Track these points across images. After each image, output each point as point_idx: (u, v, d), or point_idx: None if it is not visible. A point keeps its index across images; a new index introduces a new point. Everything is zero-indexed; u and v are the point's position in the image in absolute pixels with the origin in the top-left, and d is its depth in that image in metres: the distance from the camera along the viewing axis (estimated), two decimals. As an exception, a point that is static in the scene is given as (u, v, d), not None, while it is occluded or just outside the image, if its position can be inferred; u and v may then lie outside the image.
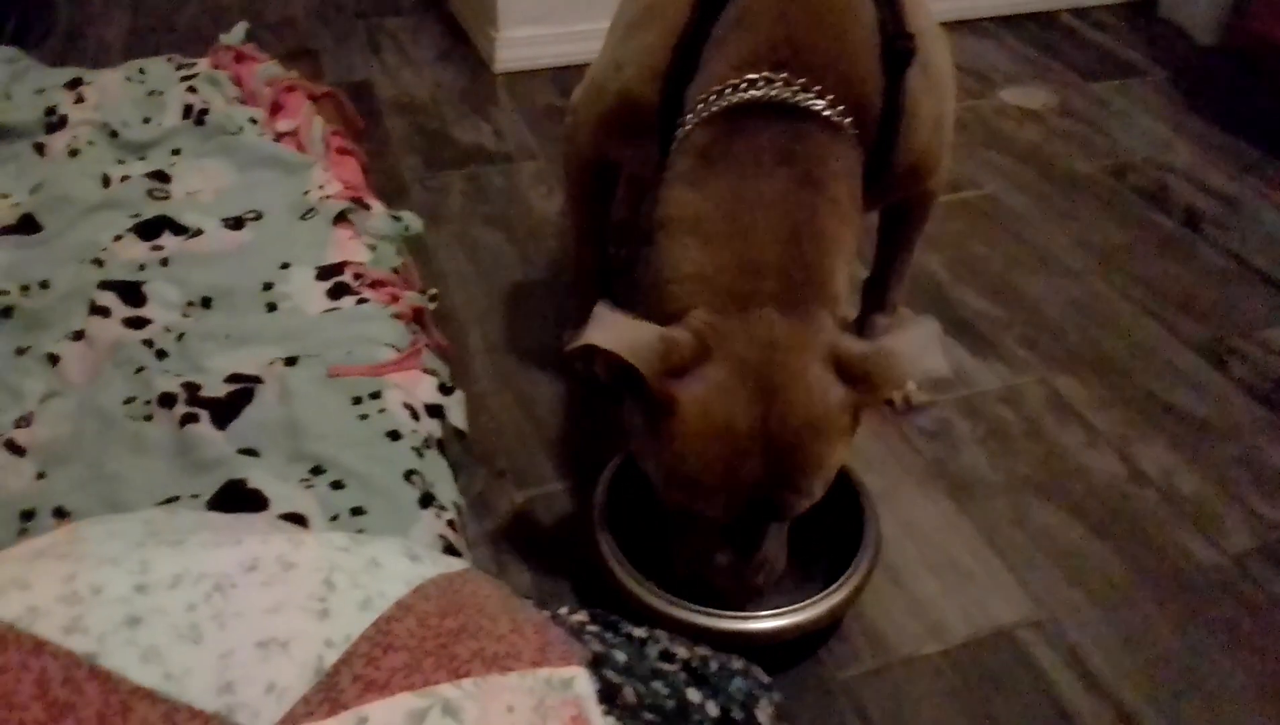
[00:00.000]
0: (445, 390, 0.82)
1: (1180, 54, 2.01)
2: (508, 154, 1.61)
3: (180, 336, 0.81)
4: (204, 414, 0.73)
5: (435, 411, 0.81)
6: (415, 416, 0.77)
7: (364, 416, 0.75)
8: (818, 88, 0.78)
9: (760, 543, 0.80)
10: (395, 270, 0.94)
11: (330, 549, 0.47)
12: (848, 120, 0.80)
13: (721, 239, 0.75)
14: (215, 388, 0.76)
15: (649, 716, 0.45)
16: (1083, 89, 1.87)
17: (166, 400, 0.73)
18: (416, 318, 0.89)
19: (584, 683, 0.43)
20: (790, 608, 0.83)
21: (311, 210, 0.97)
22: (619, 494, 0.91)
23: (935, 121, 0.90)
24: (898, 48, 0.82)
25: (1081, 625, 0.92)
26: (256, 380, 0.77)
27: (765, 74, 0.78)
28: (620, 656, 0.47)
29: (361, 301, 0.87)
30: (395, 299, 0.89)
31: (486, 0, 1.81)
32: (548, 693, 0.42)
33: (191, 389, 0.75)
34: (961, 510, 1.02)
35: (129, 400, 0.74)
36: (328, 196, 0.99)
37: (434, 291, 0.96)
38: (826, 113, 0.78)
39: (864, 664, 0.88)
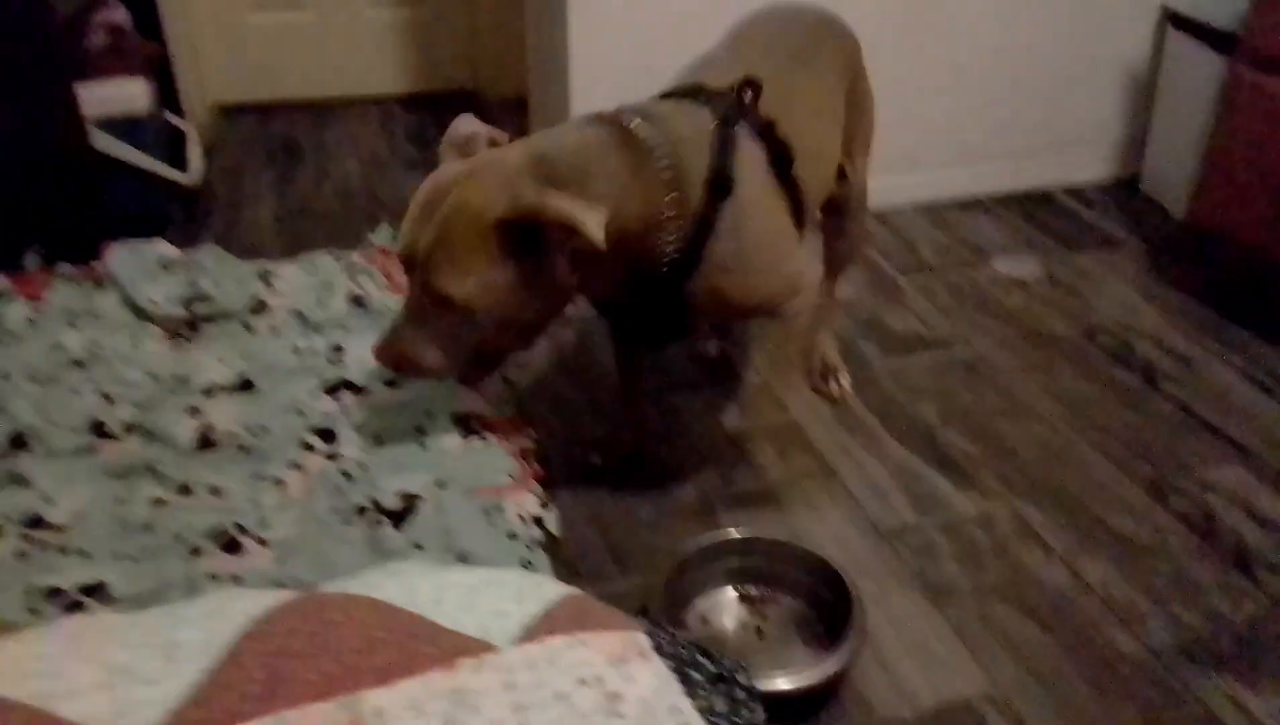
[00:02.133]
0: (544, 506, 1.15)
1: (1156, 227, 2.34)
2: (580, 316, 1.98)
3: (362, 465, 1.15)
4: (386, 520, 1.07)
5: (538, 522, 1.13)
6: (525, 524, 1.10)
7: (492, 523, 1.07)
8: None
9: (414, 311, 1.09)
10: (507, 419, 1.29)
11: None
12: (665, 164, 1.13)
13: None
14: (391, 502, 1.10)
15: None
16: (1067, 259, 2.20)
17: (361, 510, 1.07)
18: (522, 454, 1.23)
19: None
20: (795, 673, 1.12)
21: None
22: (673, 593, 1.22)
23: (741, 267, 1.19)
24: (720, 179, 1.15)
25: (1028, 700, 1.18)
26: (419, 497, 1.11)
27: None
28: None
29: (485, 441, 1.21)
30: (508, 439, 1.23)
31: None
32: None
33: (375, 503, 1.09)
34: (936, 608, 1.30)
35: (335, 510, 1.08)
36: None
37: (533, 434, 1.29)
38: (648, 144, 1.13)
39: (853, 724, 1.15)
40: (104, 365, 1.31)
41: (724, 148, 1.16)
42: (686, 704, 0.54)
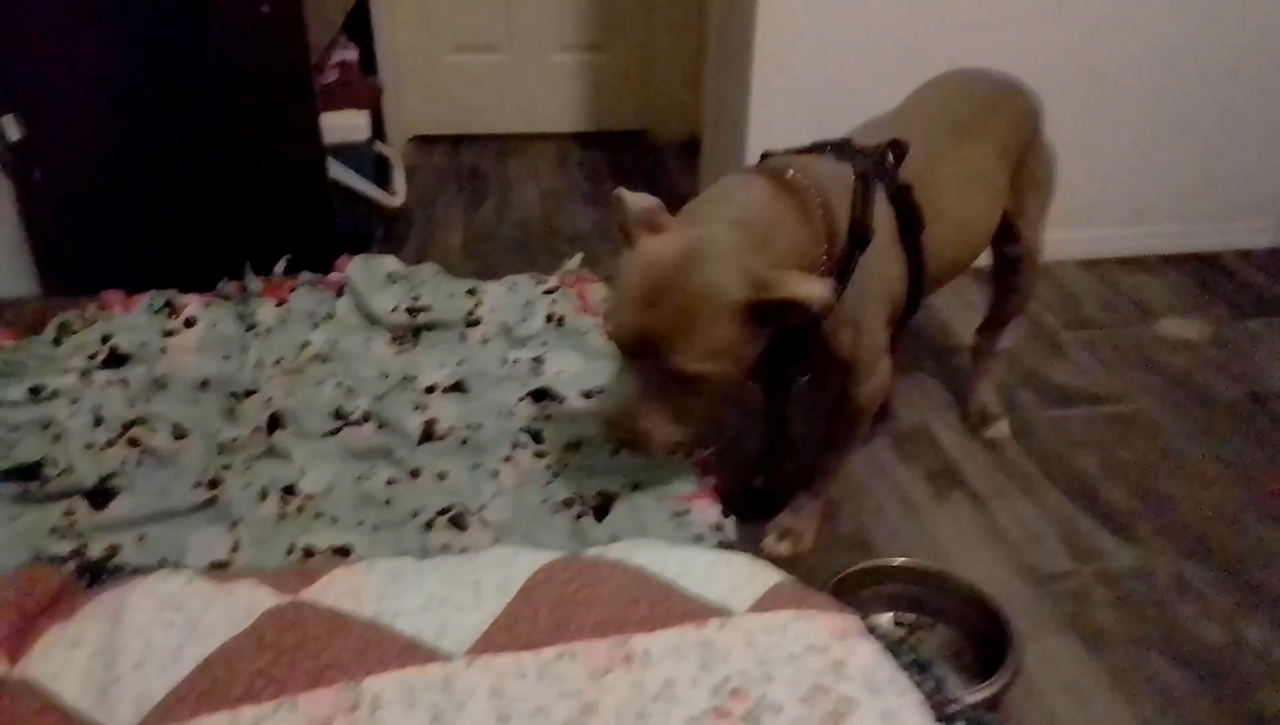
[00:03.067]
0: (724, 514, 1.26)
1: (1333, 296, 2.28)
2: (743, 348, 2.09)
3: (566, 465, 1.30)
4: (588, 513, 1.20)
5: (717, 528, 1.25)
6: (709, 529, 1.21)
7: (681, 526, 1.19)
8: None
9: (644, 387, 1.10)
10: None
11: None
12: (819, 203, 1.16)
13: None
14: (591, 498, 1.23)
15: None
16: (1235, 322, 2.17)
17: (568, 502, 1.21)
18: (703, 467, 1.35)
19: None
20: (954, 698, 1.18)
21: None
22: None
23: (854, 319, 1.23)
24: (859, 232, 1.19)
25: (1181, 749, 1.21)
26: (616, 496, 1.24)
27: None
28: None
29: (672, 453, 1.33)
30: (691, 454, 1.35)
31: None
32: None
33: (580, 498, 1.23)
34: (1091, 653, 1.34)
35: (543, 501, 1.23)
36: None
37: (712, 449, 1.41)
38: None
39: (1006, 750, 1.21)
40: (342, 361, 1.51)
41: (865, 201, 1.20)
42: (902, 677, 0.64)
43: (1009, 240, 1.58)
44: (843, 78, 2.17)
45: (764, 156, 1.30)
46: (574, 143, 3.21)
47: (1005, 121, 1.50)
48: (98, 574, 0.76)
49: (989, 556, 1.51)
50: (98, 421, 1.32)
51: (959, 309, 2.22)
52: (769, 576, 0.72)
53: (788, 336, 1.20)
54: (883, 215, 1.24)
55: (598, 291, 1.72)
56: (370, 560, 0.74)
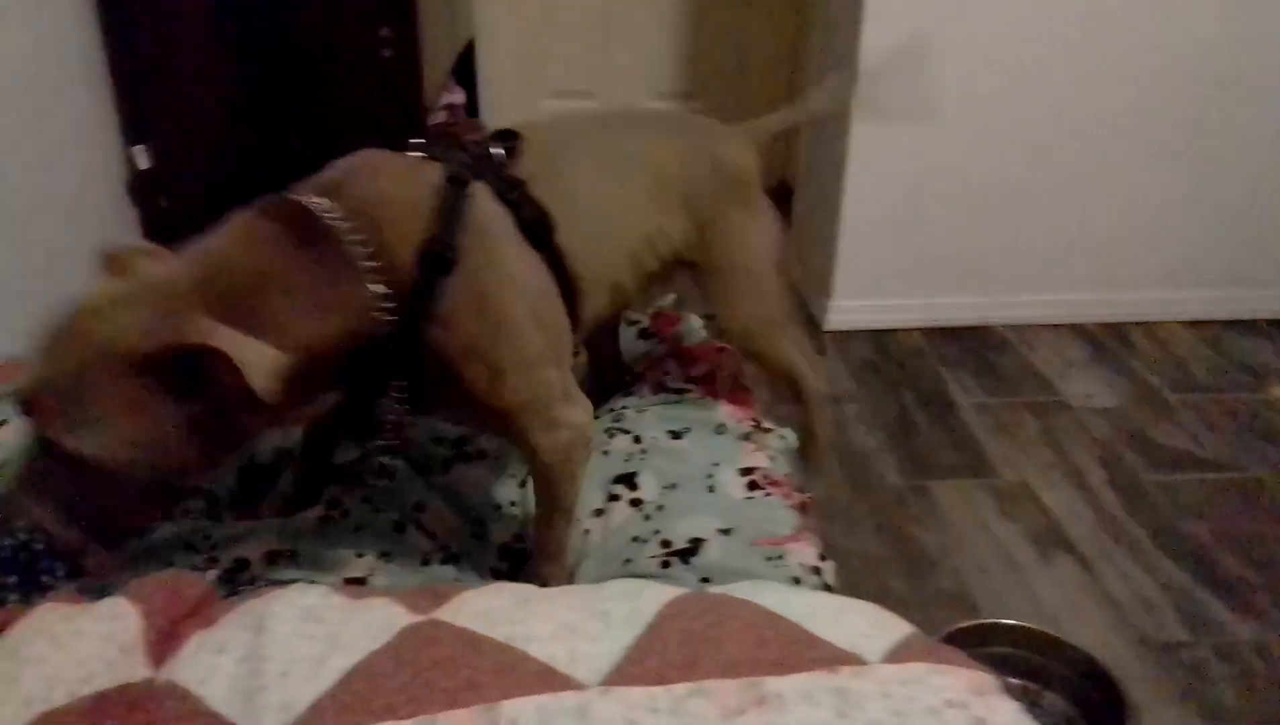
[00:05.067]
0: (823, 558, 1.24)
1: None
2: (835, 396, 2.07)
3: (660, 507, 1.29)
4: (675, 559, 1.19)
5: (815, 571, 1.22)
6: (805, 572, 1.19)
7: (775, 568, 1.18)
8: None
9: (34, 468, 0.78)
10: (786, 475, 1.39)
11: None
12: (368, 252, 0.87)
13: None
14: (680, 542, 1.22)
15: None
16: (1356, 392, 2.07)
17: (664, 543, 1.20)
18: (802, 508, 1.33)
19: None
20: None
21: (723, 426, 1.46)
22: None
23: (485, 356, 0.94)
24: (434, 252, 0.89)
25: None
26: (703, 540, 1.23)
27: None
28: None
29: (768, 495, 1.32)
30: (788, 496, 1.33)
31: (823, 275, 2.35)
32: None
33: (666, 543, 1.23)
34: (1210, 729, 1.28)
35: (635, 538, 1.22)
36: (736, 421, 1.47)
37: (810, 494, 1.39)
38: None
39: (1120, 827, 1.15)
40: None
41: (448, 213, 0.92)
42: (1047, 736, 0.61)
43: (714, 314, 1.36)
44: (935, 131, 2.17)
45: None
46: (664, 188, 3.25)
47: (680, 155, 1.21)
48: (234, 583, 0.77)
49: (1099, 622, 1.45)
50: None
51: (1060, 367, 2.16)
52: (899, 626, 0.71)
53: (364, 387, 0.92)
54: (494, 221, 0.98)
55: (687, 327, 1.73)
56: (496, 584, 0.74)
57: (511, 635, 0.67)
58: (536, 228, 1.02)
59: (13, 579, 0.76)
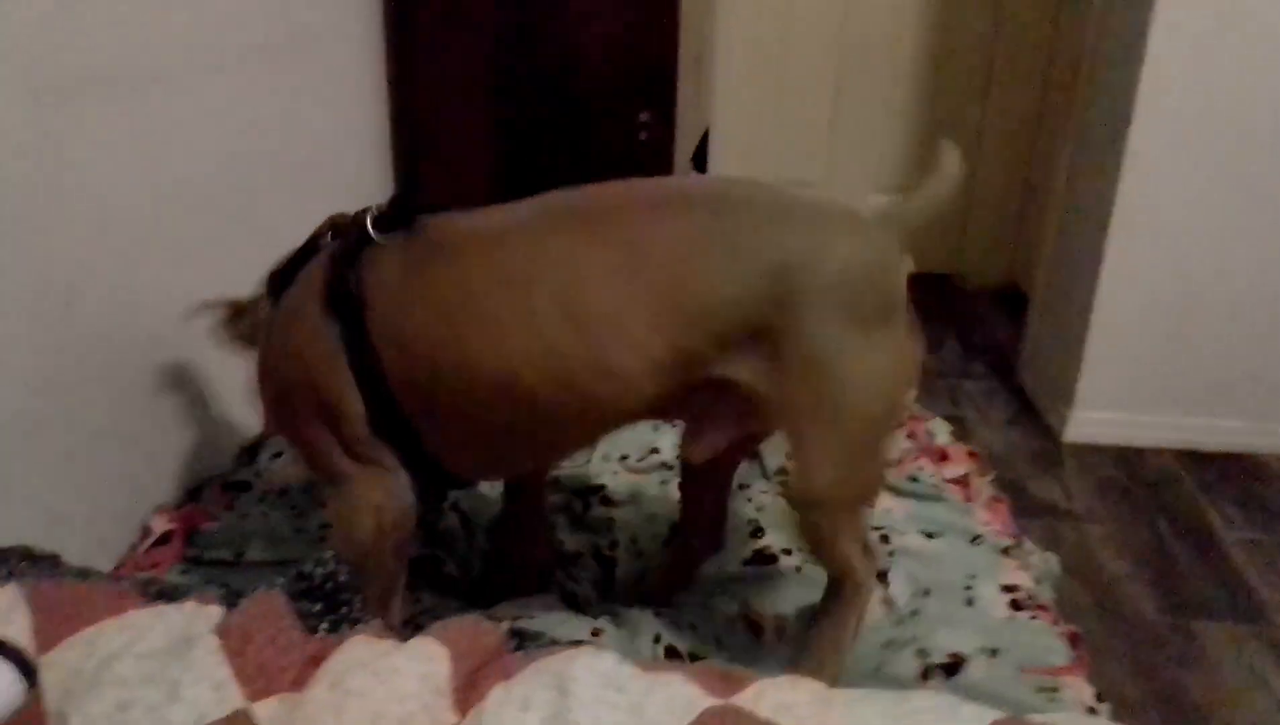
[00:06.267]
0: (1099, 698, 1.12)
1: None
2: (1076, 514, 1.91)
3: (914, 613, 1.22)
4: (937, 671, 1.11)
5: (1091, 711, 1.10)
6: (1082, 710, 1.08)
7: (1047, 702, 1.07)
8: None
9: None
10: (1052, 601, 1.28)
11: None
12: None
13: None
14: (940, 656, 1.14)
15: None
16: None
17: (920, 654, 1.13)
18: (1072, 639, 1.21)
19: None
20: None
21: (979, 537, 1.37)
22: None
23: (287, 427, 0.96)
24: (344, 291, 0.88)
25: None
26: (966, 658, 1.14)
27: None
28: None
29: (1033, 618, 1.21)
30: (1055, 623, 1.22)
31: (1064, 384, 2.21)
32: None
33: (924, 653, 1.14)
34: None
35: (886, 644, 1.15)
36: (995, 533, 1.38)
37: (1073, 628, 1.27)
38: None
39: None
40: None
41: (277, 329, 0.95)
42: None
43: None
44: (1206, 238, 2.01)
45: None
46: (881, 282, 3.18)
47: (701, 238, 0.85)
48: (522, 638, 0.77)
49: None
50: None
51: (1345, 506, 1.92)
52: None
53: None
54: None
55: (935, 426, 1.65)
56: (791, 677, 0.71)
57: (817, 734, 0.63)
58: (357, 350, 0.88)
59: (319, 607, 0.79)
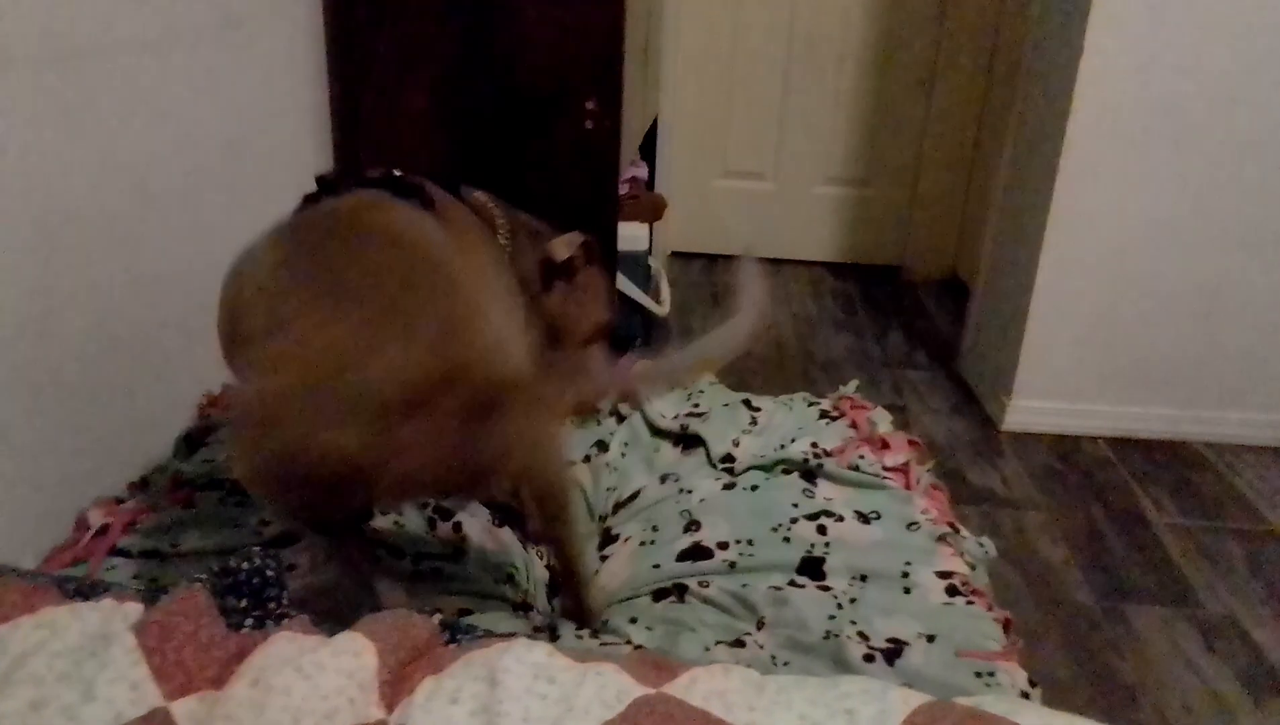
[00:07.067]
0: (1032, 683, 1.14)
1: None
2: (1015, 502, 1.95)
3: (853, 600, 1.23)
4: (879, 654, 1.12)
5: (1024, 696, 1.13)
6: (1017, 694, 1.10)
7: (988, 686, 1.09)
8: None
9: None
10: (986, 587, 1.30)
11: None
12: None
13: None
14: (879, 641, 1.15)
15: None
16: None
17: (861, 636, 1.14)
18: (1006, 625, 1.23)
19: None
20: None
21: (915, 523, 1.38)
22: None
23: None
24: None
25: None
26: (905, 643, 1.15)
27: None
28: None
29: (969, 603, 1.23)
30: (990, 608, 1.24)
31: (1003, 374, 2.25)
32: None
33: (864, 637, 1.15)
34: None
35: (826, 635, 1.16)
36: (932, 520, 1.40)
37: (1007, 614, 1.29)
38: None
39: None
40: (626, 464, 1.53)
41: None
42: None
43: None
44: (1141, 231, 2.06)
45: None
46: (827, 271, 3.22)
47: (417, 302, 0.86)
48: (455, 631, 0.76)
49: (1332, 787, 1.28)
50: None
51: (1268, 493, 1.98)
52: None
53: None
54: None
55: (876, 416, 1.66)
56: (724, 665, 0.71)
57: (752, 722, 0.63)
58: None
59: (244, 603, 0.77)
